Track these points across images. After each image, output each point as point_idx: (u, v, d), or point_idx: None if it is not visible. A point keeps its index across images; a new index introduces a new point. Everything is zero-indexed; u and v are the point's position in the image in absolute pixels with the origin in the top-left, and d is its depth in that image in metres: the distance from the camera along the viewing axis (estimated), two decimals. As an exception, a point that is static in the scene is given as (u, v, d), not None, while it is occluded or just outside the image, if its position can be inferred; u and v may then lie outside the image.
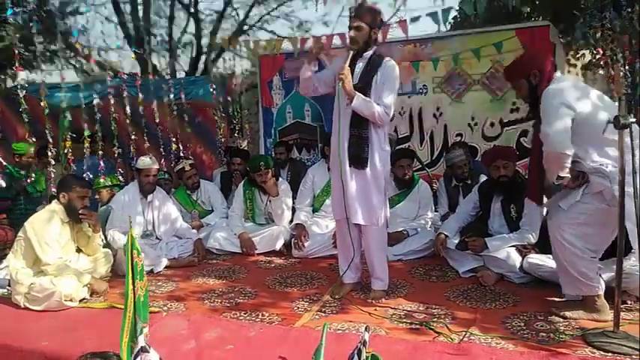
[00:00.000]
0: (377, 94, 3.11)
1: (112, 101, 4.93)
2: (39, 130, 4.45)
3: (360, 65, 3.16)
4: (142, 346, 1.80)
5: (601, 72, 4.96)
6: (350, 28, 3.12)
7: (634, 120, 2.43)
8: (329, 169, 4.60)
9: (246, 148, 6.19)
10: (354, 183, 3.16)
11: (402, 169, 4.44)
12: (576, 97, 2.68)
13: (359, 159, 3.14)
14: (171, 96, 5.38)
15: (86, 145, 4.78)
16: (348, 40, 3.19)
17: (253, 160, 4.80)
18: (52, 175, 4.43)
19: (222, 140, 6.22)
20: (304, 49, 5.05)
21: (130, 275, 2.08)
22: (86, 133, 4.72)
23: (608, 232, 2.72)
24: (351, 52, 3.10)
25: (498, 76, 5.19)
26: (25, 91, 4.11)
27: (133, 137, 4.97)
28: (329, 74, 3.28)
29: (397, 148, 5.01)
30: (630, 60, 4.22)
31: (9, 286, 3.51)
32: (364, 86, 3.10)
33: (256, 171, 4.57)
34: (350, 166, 3.15)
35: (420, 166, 5.32)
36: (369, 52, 3.16)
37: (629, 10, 3.92)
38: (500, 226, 3.75)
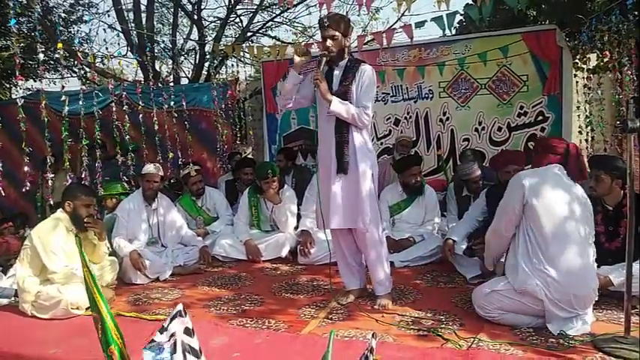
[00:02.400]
0: (357, 99, 3.13)
1: (124, 108, 4.93)
2: (55, 139, 4.45)
3: (336, 73, 3.19)
4: (179, 310, 1.80)
5: (609, 75, 4.93)
6: (324, 37, 3.14)
7: (642, 124, 2.41)
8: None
9: (251, 156, 6.17)
10: (339, 188, 3.14)
11: (414, 177, 4.43)
12: None
13: (341, 164, 3.14)
14: (172, 103, 5.38)
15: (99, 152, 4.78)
16: (321, 50, 3.21)
17: (260, 167, 4.80)
18: (50, 184, 4.43)
19: (225, 147, 6.22)
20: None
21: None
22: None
23: None
24: (324, 59, 3.13)
25: (505, 80, 5.18)
26: (44, 101, 4.12)
27: (132, 146, 4.95)
28: (308, 85, 3.27)
29: (401, 154, 5.00)
30: (637, 63, 4.19)
31: (16, 295, 3.52)
32: (344, 93, 3.12)
33: (263, 178, 4.56)
34: (336, 172, 3.15)
35: (430, 169, 5.33)
36: (345, 60, 3.19)
37: (636, 13, 3.90)
38: (509, 231, 3.71)
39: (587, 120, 5.10)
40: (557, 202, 2.74)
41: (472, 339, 2.65)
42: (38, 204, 5.87)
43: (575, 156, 2.79)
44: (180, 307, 1.80)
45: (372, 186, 3.20)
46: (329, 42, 3.12)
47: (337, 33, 3.11)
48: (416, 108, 5.52)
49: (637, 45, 4.02)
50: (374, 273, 3.29)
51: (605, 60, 4.64)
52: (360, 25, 12.69)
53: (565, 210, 2.73)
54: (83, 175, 4.28)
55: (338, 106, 3.06)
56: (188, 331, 1.79)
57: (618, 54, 4.38)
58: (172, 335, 1.73)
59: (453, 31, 7.40)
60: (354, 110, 3.08)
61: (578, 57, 5.11)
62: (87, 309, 3.33)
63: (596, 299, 2.80)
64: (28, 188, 3.98)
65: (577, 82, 5.13)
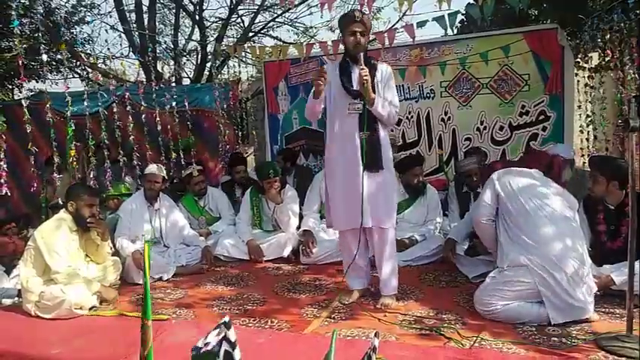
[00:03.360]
0: (379, 95, 3.13)
1: (127, 108, 4.95)
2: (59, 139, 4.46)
3: (356, 70, 3.13)
4: (225, 322, 1.81)
5: (611, 75, 4.92)
6: (354, 32, 3.10)
7: (644, 122, 2.41)
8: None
9: (242, 155, 6.13)
10: (370, 187, 3.11)
11: (416, 177, 4.43)
12: None
13: (374, 162, 3.12)
14: (174, 104, 5.38)
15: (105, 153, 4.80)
16: (351, 45, 3.14)
17: (262, 167, 4.80)
18: (58, 185, 4.45)
19: (227, 148, 6.23)
20: (309, 54, 5.05)
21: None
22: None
23: None
24: (362, 55, 3.06)
25: (506, 79, 5.17)
26: (49, 103, 4.13)
27: (135, 146, 4.95)
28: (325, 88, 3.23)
29: (402, 153, 5.00)
30: (638, 62, 4.18)
31: (18, 296, 3.53)
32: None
33: (265, 178, 4.57)
34: (364, 171, 3.11)
35: (432, 169, 5.34)
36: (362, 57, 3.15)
37: (637, 11, 3.89)
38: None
39: (589, 119, 5.09)
40: (523, 187, 3.04)
41: (475, 338, 2.65)
42: (43, 204, 5.88)
43: (556, 172, 3.03)
44: (226, 318, 1.83)
45: (395, 184, 3.26)
46: (359, 37, 3.09)
47: (365, 29, 3.12)
48: (417, 108, 5.51)
49: (638, 43, 4.01)
50: (384, 272, 3.27)
51: (607, 59, 4.64)
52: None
53: (534, 192, 3.02)
54: (91, 176, 4.28)
55: (380, 103, 3.08)
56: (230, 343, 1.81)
57: (620, 53, 4.38)
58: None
59: (455, 31, 7.38)
60: (392, 109, 3.12)
61: (579, 56, 5.11)
62: (90, 309, 3.35)
63: (597, 291, 2.84)
64: (34, 189, 3.99)
65: (578, 81, 5.13)
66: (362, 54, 3.06)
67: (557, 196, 3.04)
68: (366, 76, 2.99)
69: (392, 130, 5.55)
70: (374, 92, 3.09)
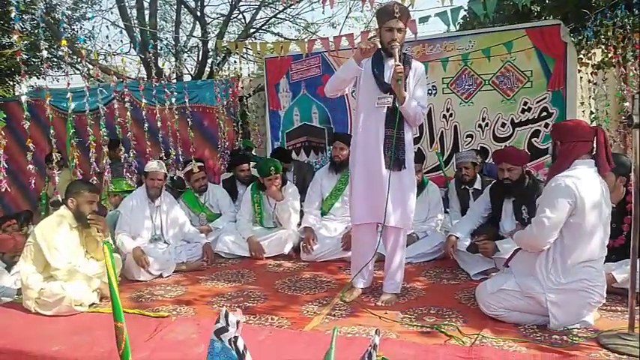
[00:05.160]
0: (410, 94, 3.07)
1: (126, 105, 4.93)
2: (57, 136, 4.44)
3: (390, 65, 3.07)
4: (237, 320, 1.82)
5: (613, 71, 4.90)
6: (392, 29, 3.00)
7: (648, 119, 2.39)
8: (337, 172, 4.60)
9: (248, 153, 6.12)
10: (393, 185, 3.07)
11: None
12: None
13: (398, 160, 3.09)
14: (173, 100, 5.36)
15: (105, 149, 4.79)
16: (387, 41, 3.04)
17: (263, 164, 4.78)
18: (57, 181, 4.43)
19: (227, 144, 6.22)
20: (311, 50, 5.03)
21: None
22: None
23: None
24: (397, 51, 2.97)
25: (509, 75, 5.15)
26: (49, 99, 4.10)
27: (134, 142, 4.93)
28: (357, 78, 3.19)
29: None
30: (640, 58, 4.16)
31: (17, 294, 3.53)
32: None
33: (266, 175, 4.56)
34: (386, 168, 3.09)
35: (433, 166, 5.32)
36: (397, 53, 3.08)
37: (641, 7, 3.87)
38: (512, 227, 3.70)
39: (593, 116, 5.07)
40: (593, 208, 2.60)
41: (475, 335, 2.64)
42: (43, 201, 5.88)
43: (603, 143, 2.68)
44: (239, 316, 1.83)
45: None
46: (397, 34, 3.00)
47: (404, 26, 3.04)
48: (419, 104, 5.51)
49: (641, 40, 3.99)
50: (393, 271, 3.27)
51: (610, 55, 4.61)
52: (364, 21, 12.65)
53: (597, 216, 2.62)
54: (92, 173, 4.27)
55: (410, 103, 3.03)
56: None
57: (623, 49, 4.35)
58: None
59: (457, 27, 7.36)
60: (420, 110, 3.08)
61: (582, 52, 5.08)
62: (90, 306, 3.34)
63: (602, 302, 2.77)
64: (33, 185, 3.98)
65: (581, 77, 5.10)
66: (397, 49, 2.97)
67: (607, 209, 2.74)
68: (400, 72, 2.92)
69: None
70: (405, 90, 3.04)
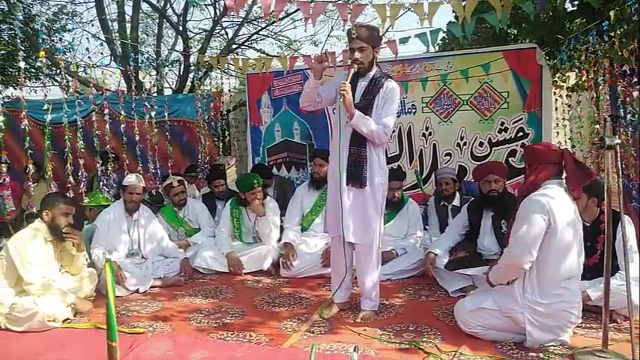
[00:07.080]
0: (377, 114, 3.12)
1: (105, 118, 4.88)
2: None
3: (362, 84, 3.17)
4: None
5: (586, 94, 5.04)
6: (352, 49, 3.11)
7: (619, 141, 2.47)
8: (317, 188, 4.62)
9: (222, 168, 6.09)
10: (352, 201, 3.15)
11: (392, 192, 4.45)
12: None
13: (358, 178, 3.13)
14: (153, 113, 5.32)
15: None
16: (350, 61, 3.17)
17: (244, 179, 4.76)
18: (33, 193, 4.35)
19: (207, 159, 6.18)
20: (293, 67, 5.07)
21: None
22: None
23: None
24: (353, 70, 3.09)
25: (486, 96, 5.26)
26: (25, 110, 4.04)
27: (112, 155, 4.88)
28: (330, 89, 3.27)
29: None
30: (610, 83, 4.29)
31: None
32: (365, 106, 3.11)
33: (249, 189, 4.54)
34: (348, 184, 3.15)
35: (412, 184, 5.38)
36: (372, 72, 3.18)
37: (611, 34, 4.00)
38: (491, 243, 3.76)
39: (567, 137, 5.19)
40: (567, 225, 2.65)
41: (453, 352, 2.66)
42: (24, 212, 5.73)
43: (570, 166, 2.74)
44: None
45: (382, 203, 3.24)
46: (357, 54, 3.08)
47: (365, 44, 3.09)
48: (399, 122, 5.56)
49: (611, 64, 4.12)
50: (365, 288, 3.29)
51: (583, 79, 4.75)
52: (345, 40, 12.80)
53: (572, 234, 2.67)
54: (68, 185, 4.19)
55: (360, 120, 3.06)
56: None
57: (594, 73, 4.49)
58: None
59: (436, 48, 7.50)
60: (374, 127, 3.08)
61: (557, 75, 5.22)
62: (64, 321, 3.27)
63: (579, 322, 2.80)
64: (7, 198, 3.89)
65: (556, 99, 5.24)
66: (354, 69, 3.08)
67: (579, 226, 2.80)
68: (343, 90, 3.01)
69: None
70: (370, 108, 3.11)
